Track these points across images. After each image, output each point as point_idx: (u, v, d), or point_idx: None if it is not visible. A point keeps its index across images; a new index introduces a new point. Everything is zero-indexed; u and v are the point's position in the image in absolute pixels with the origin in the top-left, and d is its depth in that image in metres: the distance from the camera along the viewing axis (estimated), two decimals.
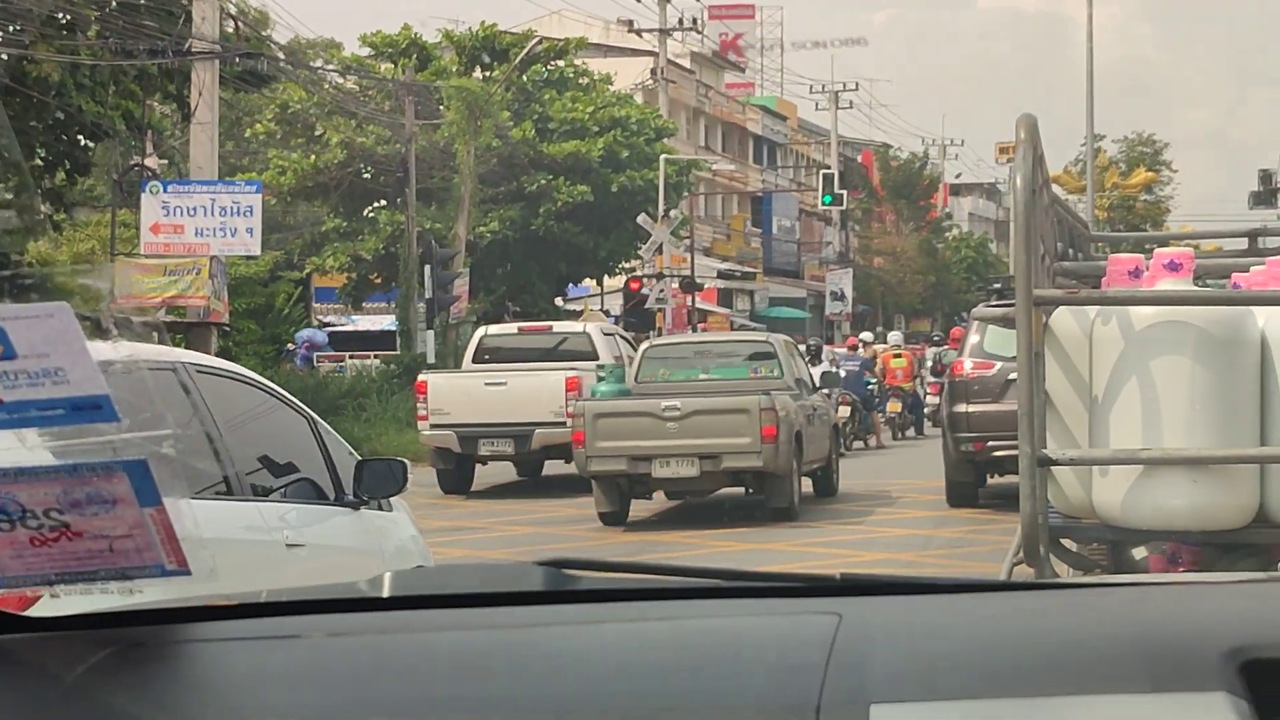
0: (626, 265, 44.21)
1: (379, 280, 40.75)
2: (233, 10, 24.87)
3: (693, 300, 45.30)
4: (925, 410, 30.80)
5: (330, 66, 41.57)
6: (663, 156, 42.37)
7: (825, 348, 34.55)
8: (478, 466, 21.52)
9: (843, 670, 1.68)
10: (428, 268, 32.28)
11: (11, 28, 21.40)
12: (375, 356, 35.31)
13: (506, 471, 22.82)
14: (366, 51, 41.46)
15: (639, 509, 17.70)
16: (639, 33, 51.49)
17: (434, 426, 20.92)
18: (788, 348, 19.88)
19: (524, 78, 41.03)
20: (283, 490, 6.92)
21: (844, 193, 53.03)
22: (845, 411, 25.67)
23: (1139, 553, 6.43)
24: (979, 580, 2.25)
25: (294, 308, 37.60)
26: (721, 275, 59.19)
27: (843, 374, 26.42)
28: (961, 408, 17.31)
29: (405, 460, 7.49)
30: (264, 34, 28.14)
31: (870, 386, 28.84)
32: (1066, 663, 1.68)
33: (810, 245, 72.32)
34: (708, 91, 64.83)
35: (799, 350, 21.67)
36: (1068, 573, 6.28)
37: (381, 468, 7.28)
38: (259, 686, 1.81)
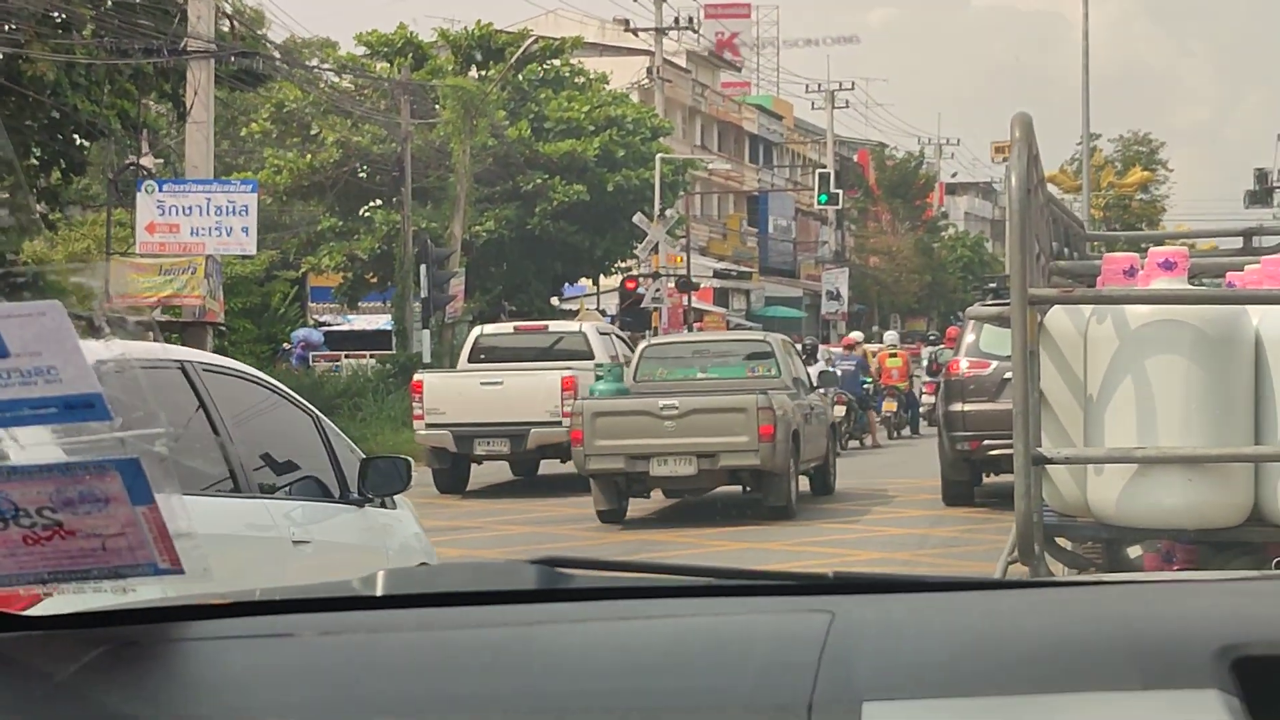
0: (622, 264, 44.22)
1: (375, 280, 40.70)
2: (228, 9, 24.86)
3: (689, 299, 45.30)
4: (921, 409, 30.81)
5: (326, 66, 41.52)
6: (659, 156, 42.37)
7: (821, 347, 34.55)
8: (473, 466, 21.50)
9: (835, 668, 1.68)
10: (423, 267, 32.26)
11: (6, 26, 21.37)
12: (371, 356, 35.27)
13: (502, 471, 22.81)
14: (362, 51, 41.44)
15: (637, 507, 17.71)
16: (635, 32, 51.53)
17: (430, 426, 20.91)
18: (785, 347, 19.90)
19: (520, 77, 41.02)
20: (289, 488, 6.96)
21: (840, 192, 53.02)
22: (840, 411, 25.68)
23: (1134, 551, 6.44)
24: (972, 578, 2.25)
25: (289, 307, 37.54)
26: (717, 274, 59.20)
27: (838, 373, 26.42)
28: (957, 407, 17.31)
29: (409, 458, 7.54)
30: (259, 33, 28.11)
31: (865, 386, 28.85)
32: (1058, 660, 1.68)
33: (806, 244, 72.35)
34: (703, 91, 64.84)
35: (796, 349, 21.68)
36: (1063, 571, 6.28)
37: (386, 465, 7.36)
38: (252, 685, 1.81)
